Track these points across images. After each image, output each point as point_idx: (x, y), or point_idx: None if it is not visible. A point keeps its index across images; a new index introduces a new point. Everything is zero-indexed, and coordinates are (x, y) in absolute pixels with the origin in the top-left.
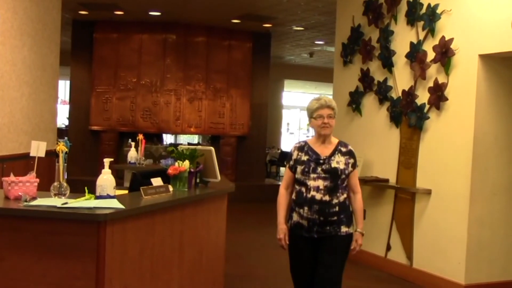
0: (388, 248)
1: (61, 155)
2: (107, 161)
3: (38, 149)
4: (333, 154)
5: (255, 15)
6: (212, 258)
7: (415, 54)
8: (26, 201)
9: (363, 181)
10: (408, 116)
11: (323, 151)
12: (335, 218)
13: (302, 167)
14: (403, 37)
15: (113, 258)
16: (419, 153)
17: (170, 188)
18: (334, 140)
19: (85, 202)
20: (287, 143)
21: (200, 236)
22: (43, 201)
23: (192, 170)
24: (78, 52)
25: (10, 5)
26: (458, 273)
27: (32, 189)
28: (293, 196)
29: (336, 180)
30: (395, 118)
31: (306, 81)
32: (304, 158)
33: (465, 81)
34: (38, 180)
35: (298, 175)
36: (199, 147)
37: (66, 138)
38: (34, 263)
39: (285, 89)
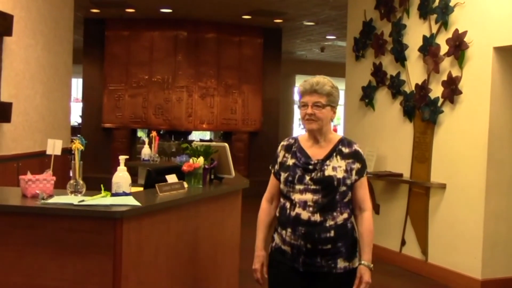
0: (403, 243)
1: (77, 153)
2: (122, 158)
3: (54, 147)
4: (329, 157)
5: (265, 10)
6: (227, 254)
7: (428, 48)
8: (43, 198)
9: (377, 176)
10: (422, 110)
11: (316, 152)
12: (329, 246)
13: (286, 174)
14: (416, 30)
15: (129, 255)
16: (433, 147)
17: (185, 184)
18: (334, 137)
19: (102, 199)
20: None
21: (215, 232)
22: (60, 199)
23: (206, 166)
24: (90, 50)
25: (24, 4)
26: (474, 268)
27: (49, 187)
28: (277, 212)
29: (332, 193)
30: (409, 112)
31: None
32: (290, 162)
33: (479, 74)
34: (54, 178)
35: (281, 186)
36: (213, 143)
37: (79, 135)
38: (51, 260)
39: (297, 85)
